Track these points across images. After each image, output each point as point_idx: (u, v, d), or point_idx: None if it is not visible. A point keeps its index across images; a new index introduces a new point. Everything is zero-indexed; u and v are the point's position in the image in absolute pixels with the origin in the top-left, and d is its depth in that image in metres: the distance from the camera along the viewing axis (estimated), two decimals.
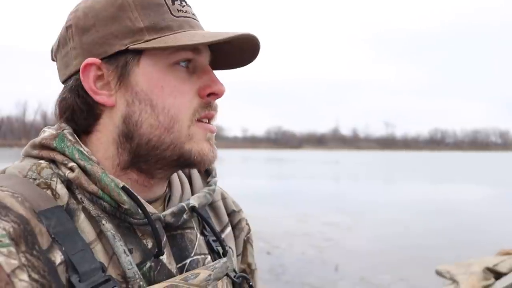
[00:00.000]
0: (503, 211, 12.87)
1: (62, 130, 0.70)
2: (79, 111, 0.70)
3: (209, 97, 0.71)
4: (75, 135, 0.70)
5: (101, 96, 0.69)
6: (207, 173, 0.86)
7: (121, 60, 0.68)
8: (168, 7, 0.70)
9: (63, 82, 0.73)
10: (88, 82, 0.68)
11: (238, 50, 0.74)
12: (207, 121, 0.73)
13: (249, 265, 0.92)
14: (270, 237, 8.61)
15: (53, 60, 0.76)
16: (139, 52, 0.68)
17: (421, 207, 13.58)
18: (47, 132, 0.72)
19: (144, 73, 0.68)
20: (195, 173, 0.85)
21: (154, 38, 0.67)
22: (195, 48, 0.70)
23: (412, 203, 14.48)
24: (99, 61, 0.68)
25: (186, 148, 0.69)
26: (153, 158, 0.70)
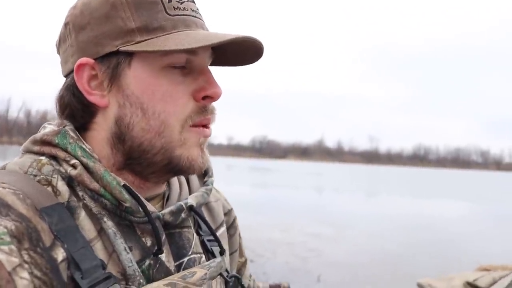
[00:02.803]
0: (483, 228, 13.04)
1: (64, 127, 0.70)
2: (75, 109, 0.70)
3: (204, 100, 0.69)
4: (76, 132, 0.69)
5: (94, 97, 0.68)
6: (204, 173, 0.85)
7: (113, 61, 0.66)
8: (164, 5, 0.67)
9: (65, 77, 0.72)
10: (82, 83, 0.68)
11: (240, 50, 0.72)
12: (205, 126, 0.71)
13: (245, 258, 0.98)
14: (254, 246, 8.57)
15: (58, 53, 0.75)
16: (130, 54, 0.66)
17: (403, 221, 13.67)
18: (48, 128, 0.71)
19: (135, 76, 0.66)
20: None
21: (145, 40, 0.65)
22: (190, 49, 0.67)
23: (395, 217, 14.57)
24: (93, 61, 0.67)
25: (176, 154, 0.68)
26: (145, 161, 0.69)
